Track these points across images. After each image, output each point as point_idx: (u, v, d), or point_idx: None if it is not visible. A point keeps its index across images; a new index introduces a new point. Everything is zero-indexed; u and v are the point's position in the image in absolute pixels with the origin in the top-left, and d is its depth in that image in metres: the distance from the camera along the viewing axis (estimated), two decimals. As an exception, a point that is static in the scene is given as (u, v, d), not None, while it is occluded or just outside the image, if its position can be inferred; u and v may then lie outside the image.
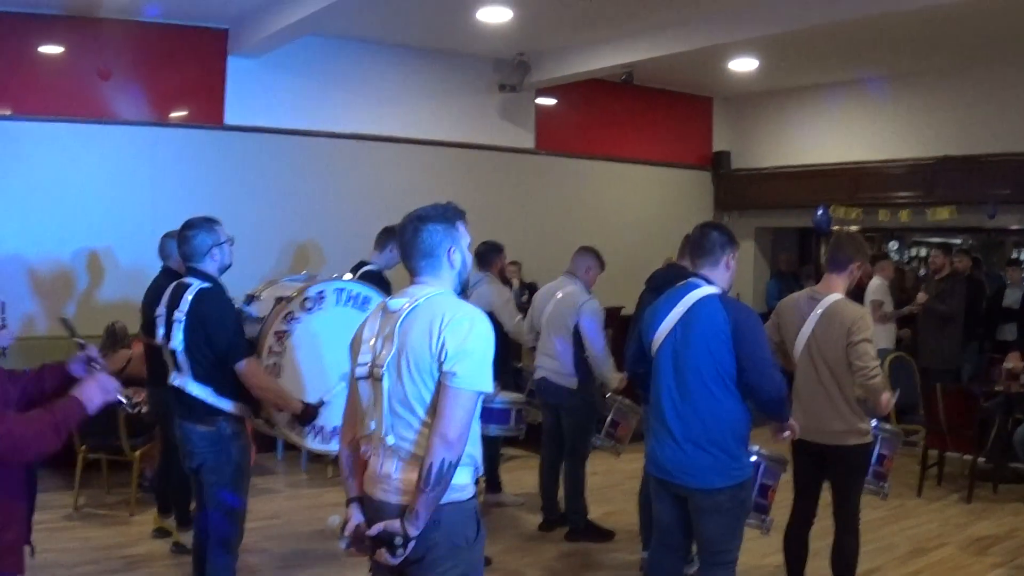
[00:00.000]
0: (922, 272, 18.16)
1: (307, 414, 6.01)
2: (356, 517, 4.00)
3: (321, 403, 6.14)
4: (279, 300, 6.52)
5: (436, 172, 13.64)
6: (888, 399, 6.16)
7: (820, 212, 15.07)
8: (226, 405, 5.78)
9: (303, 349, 6.38)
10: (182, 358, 5.78)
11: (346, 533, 3.99)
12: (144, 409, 8.26)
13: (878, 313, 12.08)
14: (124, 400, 4.10)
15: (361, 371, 3.99)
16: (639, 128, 16.17)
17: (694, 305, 5.24)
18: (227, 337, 5.74)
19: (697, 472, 5.17)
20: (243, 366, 5.72)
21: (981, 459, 10.12)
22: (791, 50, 13.04)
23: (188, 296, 5.75)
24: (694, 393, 5.19)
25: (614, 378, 8.22)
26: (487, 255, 9.37)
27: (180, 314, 5.74)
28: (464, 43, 13.24)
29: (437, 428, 3.76)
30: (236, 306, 6.32)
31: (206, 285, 5.79)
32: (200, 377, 5.75)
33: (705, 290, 5.27)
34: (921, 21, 10.85)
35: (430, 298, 3.92)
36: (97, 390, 3.92)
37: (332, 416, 6.11)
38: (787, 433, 5.62)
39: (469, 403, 3.81)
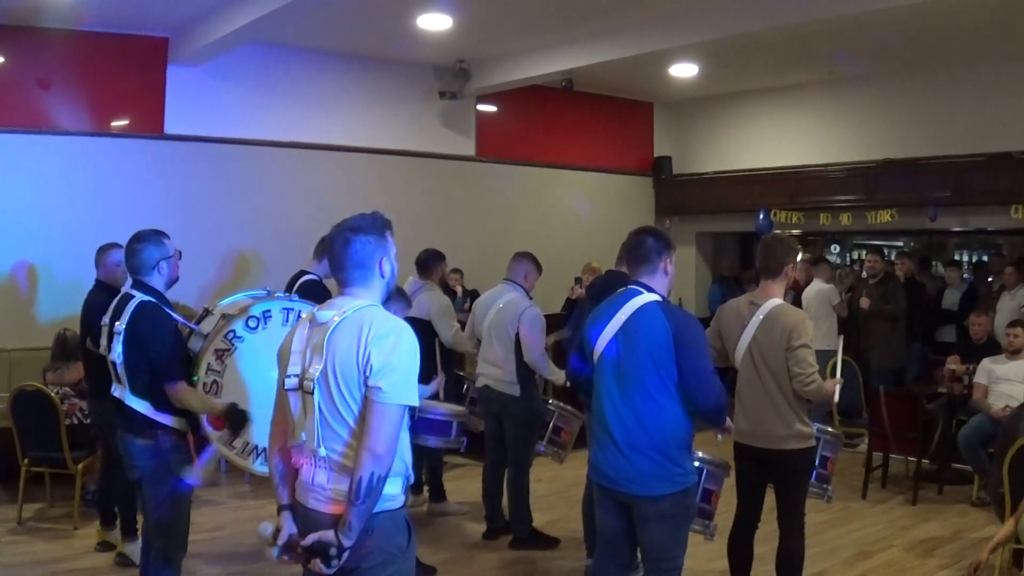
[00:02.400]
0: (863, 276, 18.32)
1: (232, 416, 5.90)
2: (288, 526, 4.03)
3: (244, 411, 5.99)
4: (223, 317, 6.43)
5: (377, 180, 13.64)
6: (832, 387, 6.19)
7: (762, 217, 15.17)
8: (165, 419, 5.71)
9: (246, 368, 6.28)
10: (121, 370, 5.73)
11: (279, 542, 4.01)
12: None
13: None
14: None
15: (291, 383, 4.00)
16: (580, 134, 16.25)
17: (635, 312, 5.20)
18: (162, 355, 5.66)
19: (640, 479, 5.14)
20: (174, 388, 5.65)
21: (925, 461, 10.20)
22: (731, 55, 13.12)
23: (129, 308, 5.72)
24: (636, 400, 5.15)
25: (559, 376, 8.13)
26: (428, 263, 9.33)
27: (120, 326, 5.70)
28: (405, 50, 13.22)
29: (366, 443, 3.78)
30: (187, 323, 6.26)
31: (147, 299, 5.74)
32: (138, 391, 5.68)
33: (646, 297, 5.23)
34: (860, 26, 10.93)
35: (357, 311, 3.94)
36: None
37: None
38: (722, 435, 5.65)
39: (396, 417, 3.84)
